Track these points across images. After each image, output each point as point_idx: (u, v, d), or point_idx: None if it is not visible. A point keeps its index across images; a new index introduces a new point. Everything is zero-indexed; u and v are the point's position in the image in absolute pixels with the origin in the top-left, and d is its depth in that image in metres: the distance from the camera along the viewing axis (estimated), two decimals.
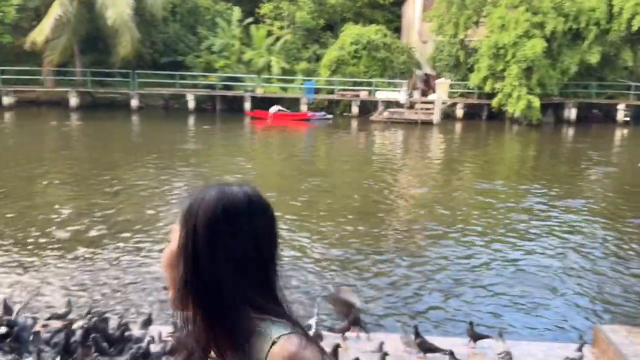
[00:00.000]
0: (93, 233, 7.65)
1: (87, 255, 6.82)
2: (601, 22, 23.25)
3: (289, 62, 27.17)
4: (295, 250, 7.18)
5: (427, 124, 23.28)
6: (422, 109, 24.58)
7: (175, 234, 1.06)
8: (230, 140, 18.75)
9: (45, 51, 24.06)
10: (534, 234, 8.68)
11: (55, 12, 23.17)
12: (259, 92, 25.84)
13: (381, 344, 4.17)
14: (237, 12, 28.19)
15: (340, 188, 11.76)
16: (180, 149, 15.55)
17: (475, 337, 4.36)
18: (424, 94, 26.53)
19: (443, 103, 24.76)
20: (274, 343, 0.99)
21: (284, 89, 26.71)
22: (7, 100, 23.70)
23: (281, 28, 28.20)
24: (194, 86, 26.49)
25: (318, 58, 27.65)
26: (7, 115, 22.42)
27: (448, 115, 25.01)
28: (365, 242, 7.74)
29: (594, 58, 23.36)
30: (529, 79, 22.64)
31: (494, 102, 23.69)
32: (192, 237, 1.04)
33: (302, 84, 26.10)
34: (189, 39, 27.97)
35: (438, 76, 26.28)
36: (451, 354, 3.98)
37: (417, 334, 4.20)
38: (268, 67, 26.94)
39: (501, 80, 23.25)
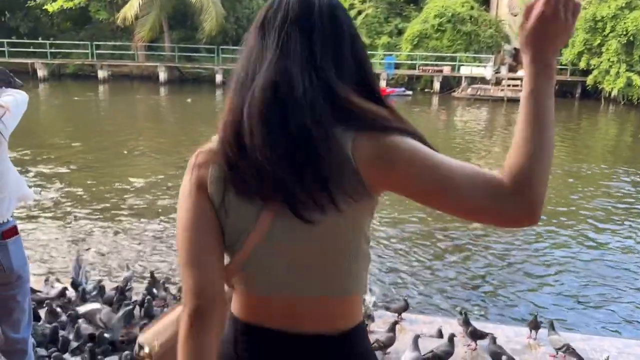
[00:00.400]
0: (164, 203, 7.97)
1: (158, 227, 7.10)
2: None
3: (370, 36, 26.67)
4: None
5: (514, 101, 22.06)
6: (509, 85, 23.32)
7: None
8: None
9: (136, 27, 25.26)
10: (616, 221, 8.01)
11: None
12: None
13: (440, 328, 4.01)
14: None
15: None
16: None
17: (537, 327, 4.08)
18: (512, 69, 25.15)
19: None
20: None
21: None
22: (102, 74, 25.19)
23: (363, 2, 27.68)
24: None
25: (400, 32, 26.93)
26: (101, 88, 23.85)
27: None
28: (436, 224, 7.48)
29: None
30: (630, 54, 20.75)
31: (589, 79, 22.00)
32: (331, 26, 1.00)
33: (382, 59, 25.58)
34: None
35: None
36: (493, 339, 3.75)
37: (467, 322, 3.99)
38: None
39: (598, 56, 21.52)
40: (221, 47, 26.28)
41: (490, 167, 12.20)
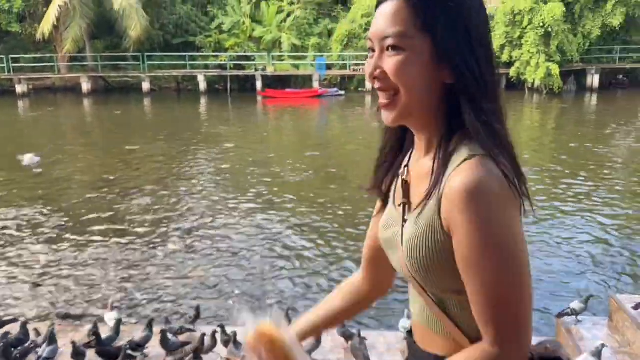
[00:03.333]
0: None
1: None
2: None
3: (300, 38, 26.67)
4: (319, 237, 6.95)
5: None
6: None
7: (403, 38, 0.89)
8: (243, 120, 18.48)
9: (57, 39, 24.08)
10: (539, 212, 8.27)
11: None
12: (270, 70, 25.49)
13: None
14: None
15: (354, 167, 11.44)
16: (192, 131, 15.39)
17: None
18: None
19: None
20: (466, 159, 0.87)
21: (296, 66, 26.29)
22: (20, 88, 23.84)
23: (291, 4, 27.62)
24: (206, 67, 26.26)
25: (330, 33, 27.08)
26: (20, 104, 22.58)
27: None
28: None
29: (616, 20, 22.29)
30: (548, 45, 21.74)
31: (512, 71, 22.90)
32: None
33: (313, 60, 25.63)
34: (200, 19, 27.72)
35: None
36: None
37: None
38: (279, 45, 26.53)
39: (518, 48, 22.42)
40: (147, 54, 25.52)
41: None
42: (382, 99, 0.95)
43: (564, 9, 21.35)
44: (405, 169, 1.04)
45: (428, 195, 0.91)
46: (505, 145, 0.90)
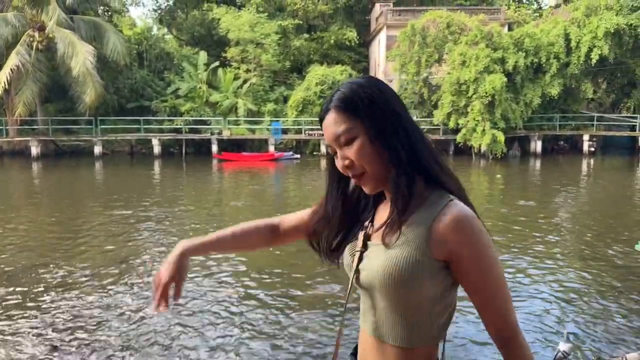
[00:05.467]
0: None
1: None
2: (560, 56, 23.84)
3: (256, 103, 27.22)
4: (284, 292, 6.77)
5: None
6: None
7: (343, 131, 1.18)
8: (198, 183, 18.35)
9: (7, 102, 23.68)
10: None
11: (12, 62, 22.90)
12: (226, 134, 25.68)
13: None
14: (203, 56, 28.34)
15: None
16: (145, 194, 15.11)
17: None
18: None
19: None
20: (451, 200, 1.16)
21: (252, 130, 26.63)
22: None
23: (247, 71, 28.33)
24: (160, 131, 26.24)
25: (285, 99, 27.76)
26: None
27: None
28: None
29: (554, 91, 23.84)
30: (492, 113, 22.91)
31: (459, 137, 23.88)
32: (384, 115, 1.17)
33: (269, 125, 26.06)
34: (157, 84, 27.97)
35: None
36: None
37: None
38: (235, 110, 26.94)
39: (464, 116, 23.51)
40: (100, 117, 25.35)
41: None
42: (356, 181, 1.22)
43: (505, 79, 22.71)
44: (370, 224, 1.30)
45: (394, 224, 1.18)
46: (461, 189, 1.23)
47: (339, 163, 1.22)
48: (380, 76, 29.35)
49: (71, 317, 6.00)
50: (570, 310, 6.20)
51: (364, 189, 1.23)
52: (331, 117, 1.19)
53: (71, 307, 6.32)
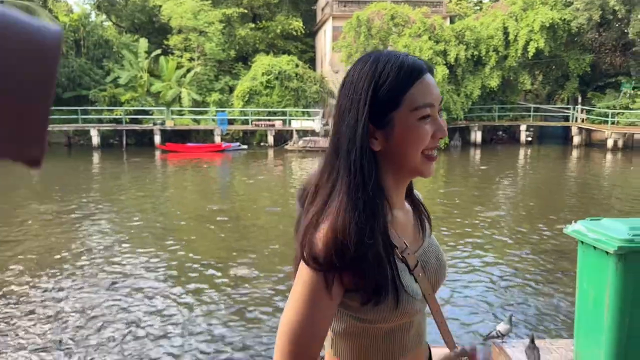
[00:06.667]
0: None
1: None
2: (499, 48, 24.64)
3: (200, 93, 26.69)
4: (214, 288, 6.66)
5: None
6: None
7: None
8: (140, 175, 17.81)
9: None
10: None
11: None
12: (169, 124, 25.07)
13: None
14: (144, 44, 27.47)
15: (258, 219, 11.32)
16: (83, 188, 14.54)
17: None
18: None
19: None
20: None
21: (196, 121, 26.12)
22: None
23: (191, 60, 27.71)
24: (99, 121, 25.31)
25: (231, 89, 27.38)
26: None
27: None
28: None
29: (494, 82, 24.65)
30: None
31: None
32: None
33: (215, 115, 25.64)
34: (95, 73, 26.92)
35: None
36: None
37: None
38: (178, 99, 26.32)
39: None
40: None
41: None
42: (435, 157, 1.05)
43: (447, 71, 23.27)
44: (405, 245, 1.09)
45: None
46: None
47: (436, 126, 1.02)
48: (326, 67, 29.43)
49: None
50: (503, 293, 6.45)
51: (429, 171, 1.05)
52: (432, 78, 1.05)
53: None
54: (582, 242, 3.47)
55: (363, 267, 0.97)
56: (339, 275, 0.97)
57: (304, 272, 0.98)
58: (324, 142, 24.14)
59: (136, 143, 25.31)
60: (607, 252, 3.22)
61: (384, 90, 0.98)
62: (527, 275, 7.17)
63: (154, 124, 25.15)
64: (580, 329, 3.43)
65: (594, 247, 3.33)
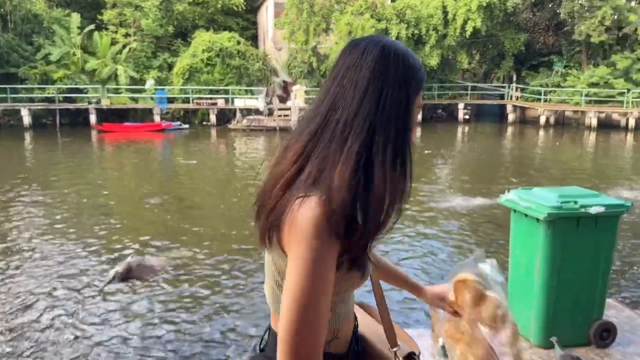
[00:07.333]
0: None
1: None
2: (438, 27, 25.08)
3: (137, 71, 25.75)
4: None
5: (286, 130, 23.31)
6: (280, 115, 24.61)
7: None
8: (76, 157, 17.05)
9: None
10: None
11: None
12: (105, 103, 24.10)
13: None
14: (76, 19, 26.11)
15: (200, 200, 11.12)
16: (14, 171, 13.79)
17: None
18: (283, 100, 26.64)
19: (301, 109, 24.99)
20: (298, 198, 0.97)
21: (134, 100, 25.23)
22: None
23: (127, 35, 26.63)
24: (30, 100, 24.00)
25: (170, 66, 26.56)
26: None
27: None
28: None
29: (433, 61, 25.12)
30: None
31: None
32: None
33: (153, 94, 24.84)
34: (24, 49, 25.38)
35: (295, 83, 26.54)
36: None
37: None
38: (115, 77, 25.30)
39: None
40: None
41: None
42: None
43: None
44: None
45: None
46: None
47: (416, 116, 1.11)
48: (269, 44, 29.04)
49: None
50: (441, 264, 6.69)
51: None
52: None
53: None
54: (514, 211, 3.64)
55: (369, 239, 0.99)
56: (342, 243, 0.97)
57: (312, 243, 0.94)
58: (267, 121, 23.93)
59: (70, 123, 24.20)
60: (537, 219, 3.39)
61: (417, 83, 1.07)
62: (463, 245, 7.45)
63: (89, 102, 24.09)
64: (513, 294, 3.61)
65: (526, 215, 3.49)
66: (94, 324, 5.03)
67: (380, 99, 1.00)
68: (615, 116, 24.21)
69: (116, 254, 7.00)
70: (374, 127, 0.99)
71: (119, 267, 5.51)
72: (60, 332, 4.87)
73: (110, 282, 5.42)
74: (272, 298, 1.11)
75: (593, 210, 3.33)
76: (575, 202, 3.35)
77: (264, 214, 1.03)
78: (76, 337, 4.77)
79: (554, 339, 3.45)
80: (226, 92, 25.32)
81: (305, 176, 0.99)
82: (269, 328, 1.16)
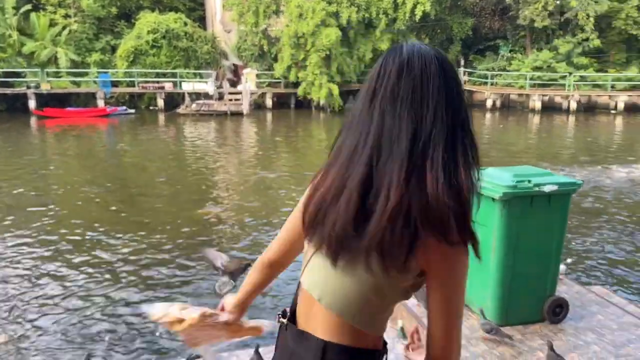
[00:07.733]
0: None
1: None
2: (388, 11, 25.13)
3: (79, 53, 24.62)
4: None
5: (238, 114, 22.92)
6: (230, 99, 24.15)
7: None
8: (15, 144, 16.12)
9: None
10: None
11: None
12: (45, 87, 22.94)
13: None
14: None
15: (147, 188, 10.73)
16: None
17: None
18: (234, 84, 26.14)
19: (252, 93, 24.62)
20: None
21: (76, 84, 24.14)
22: None
23: (67, 16, 25.35)
24: None
25: (113, 49, 25.52)
26: None
27: (259, 106, 25.00)
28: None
29: (384, 45, 25.18)
30: (329, 67, 23.56)
31: (299, 90, 24.26)
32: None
33: (96, 77, 23.83)
34: None
35: (245, 66, 26.07)
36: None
37: None
38: (55, 60, 24.10)
39: (304, 70, 23.85)
40: None
41: (229, 174, 12.29)
42: None
43: (340, 33, 23.39)
44: None
45: None
46: None
47: None
48: (217, 26, 28.33)
49: None
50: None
51: None
52: None
53: None
54: None
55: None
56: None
57: (462, 251, 1.05)
58: (218, 105, 23.42)
59: (8, 109, 22.90)
60: (493, 199, 3.39)
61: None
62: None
63: (28, 87, 22.86)
64: (470, 274, 3.60)
65: (481, 195, 3.49)
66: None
67: (450, 109, 1.08)
68: (557, 99, 25.06)
69: (53, 246, 6.66)
70: (460, 134, 1.09)
71: None
72: None
73: None
74: (357, 308, 1.09)
75: (547, 188, 3.35)
76: (530, 181, 3.37)
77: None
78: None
79: (478, 309, 3.50)
80: (174, 75, 24.59)
81: None
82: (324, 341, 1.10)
